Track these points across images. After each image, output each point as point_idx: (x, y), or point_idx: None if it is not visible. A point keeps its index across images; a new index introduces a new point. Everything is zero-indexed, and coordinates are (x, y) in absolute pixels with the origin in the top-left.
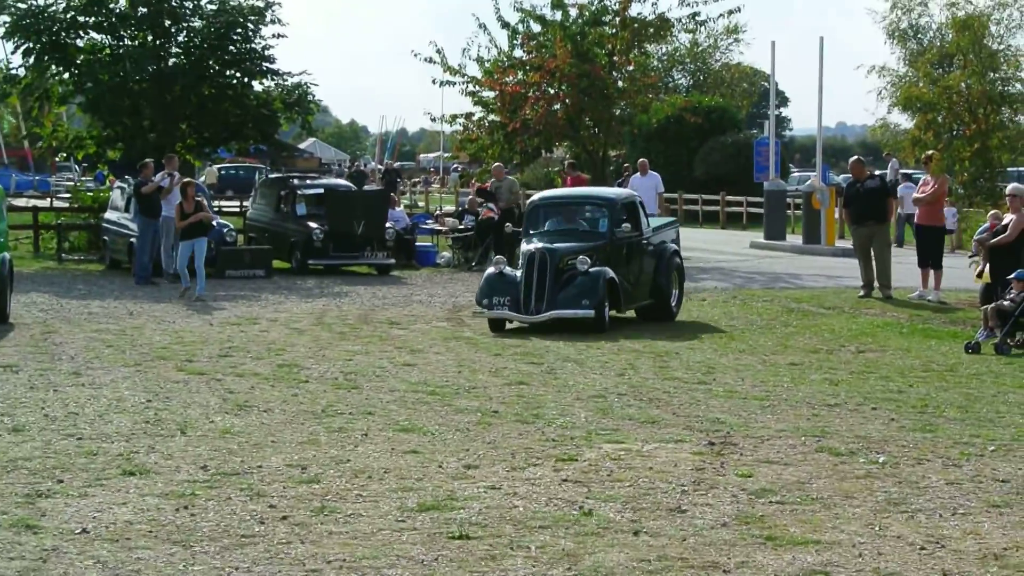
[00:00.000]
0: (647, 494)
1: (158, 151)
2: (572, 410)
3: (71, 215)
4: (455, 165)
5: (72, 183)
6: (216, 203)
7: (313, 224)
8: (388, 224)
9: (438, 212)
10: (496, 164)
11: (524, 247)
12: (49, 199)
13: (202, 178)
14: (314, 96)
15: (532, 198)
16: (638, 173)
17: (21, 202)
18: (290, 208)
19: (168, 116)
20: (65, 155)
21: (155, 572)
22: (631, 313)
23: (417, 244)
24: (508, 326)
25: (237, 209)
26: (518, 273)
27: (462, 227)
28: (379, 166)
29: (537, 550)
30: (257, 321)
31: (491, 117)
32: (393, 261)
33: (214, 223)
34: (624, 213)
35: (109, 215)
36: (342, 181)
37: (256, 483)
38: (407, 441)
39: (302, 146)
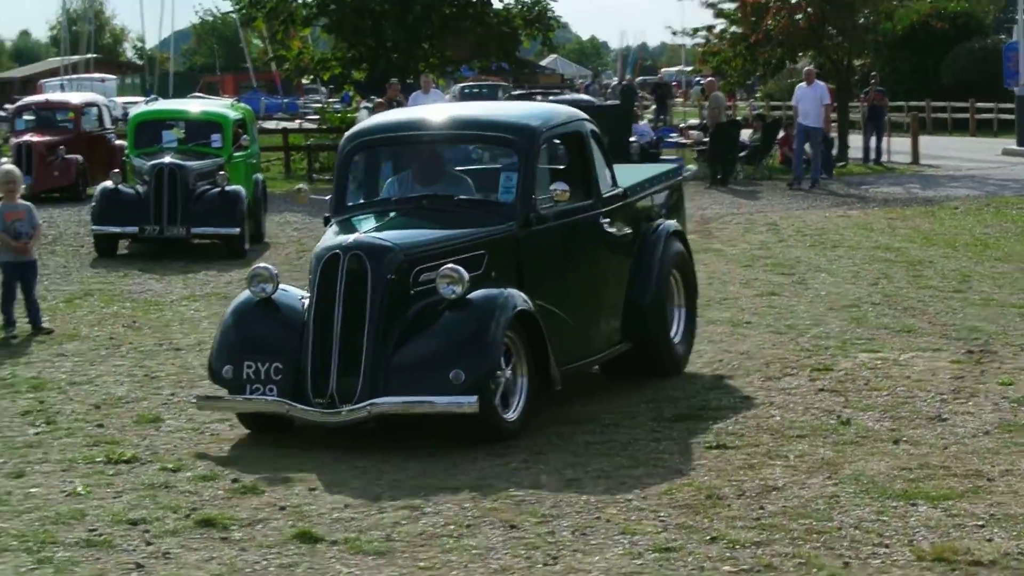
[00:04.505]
0: (905, 403)
1: (401, 71)
2: (825, 320)
3: (320, 136)
4: (697, 79)
5: (319, 104)
6: None
7: None
8: (632, 138)
9: (682, 125)
10: (709, 79)
11: (323, 240)
12: (297, 121)
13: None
14: (554, 12)
15: (350, 132)
16: (803, 83)
17: (271, 124)
18: None
19: (410, 36)
20: (311, 77)
21: None
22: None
23: (662, 157)
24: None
25: None
26: (300, 299)
27: (706, 140)
28: (623, 81)
29: (796, 459)
30: None
31: (733, 29)
32: None
33: None
34: (551, 157)
35: None
36: (584, 96)
37: None
38: None
39: (543, 63)
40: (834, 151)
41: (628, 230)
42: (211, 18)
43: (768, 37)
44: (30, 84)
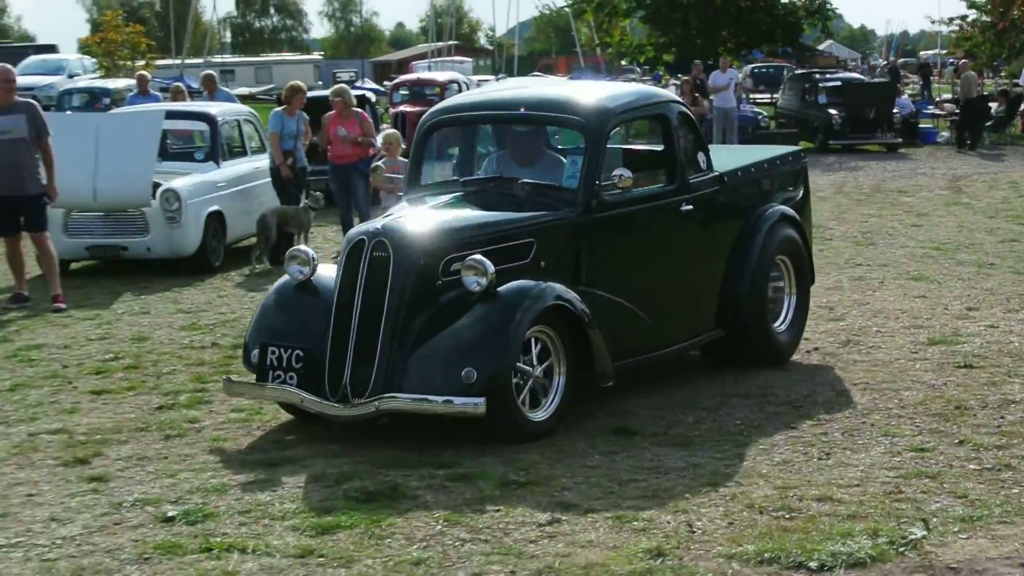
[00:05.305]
0: None
1: (703, 54)
2: None
3: None
4: (951, 60)
5: (635, 81)
6: (752, 95)
7: (833, 111)
8: (895, 110)
9: (938, 99)
10: (962, 60)
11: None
12: None
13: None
14: (831, 4)
15: (430, 111)
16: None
17: None
18: (813, 98)
19: (711, 24)
20: (629, 59)
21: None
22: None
23: (920, 126)
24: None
25: (769, 100)
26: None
27: (957, 112)
28: (887, 63)
29: None
30: None
31: (983, 18)
32: (900, 140)
33: None
34: (633, 140)
35: None
36: (856, 75)
37: None
38: (917, 288)
39: (820, 47)
40: None
41: (723, 215)
42: (549, 11)
43: (1013, 25)
44: (404, 65)
